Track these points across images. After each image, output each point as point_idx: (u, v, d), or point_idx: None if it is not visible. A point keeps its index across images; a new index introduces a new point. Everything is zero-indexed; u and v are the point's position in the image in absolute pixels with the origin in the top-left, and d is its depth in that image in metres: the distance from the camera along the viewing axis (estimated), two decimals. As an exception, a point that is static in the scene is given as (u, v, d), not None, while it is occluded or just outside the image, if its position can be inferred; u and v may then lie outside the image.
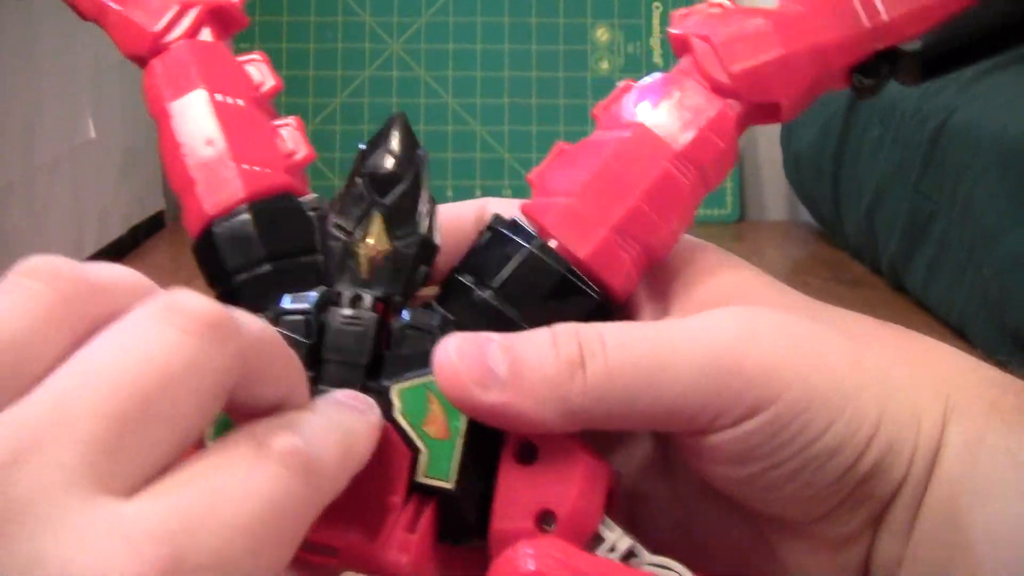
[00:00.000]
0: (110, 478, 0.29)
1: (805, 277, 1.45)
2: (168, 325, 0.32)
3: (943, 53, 0.45)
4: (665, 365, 0.40)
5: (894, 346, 0.44)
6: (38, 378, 0.31)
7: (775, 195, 1.88)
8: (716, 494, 0.44)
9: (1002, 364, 0.45)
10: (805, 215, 1.81)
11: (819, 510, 0.42)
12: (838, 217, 1.59)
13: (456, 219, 0.48)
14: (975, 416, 0.41)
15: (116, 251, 1.56)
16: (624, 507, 0.45)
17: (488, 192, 1.78)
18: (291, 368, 0.37)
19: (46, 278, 0.35)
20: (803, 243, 1.71)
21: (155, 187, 1.77)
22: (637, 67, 1.84)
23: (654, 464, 0.48)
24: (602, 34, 1.85)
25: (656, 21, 1.85)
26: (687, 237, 0.47)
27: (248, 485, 0.31)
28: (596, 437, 0.43)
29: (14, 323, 0.32)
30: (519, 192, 1.76)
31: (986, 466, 0.41)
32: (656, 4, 1.85)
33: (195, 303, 0.33)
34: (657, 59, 1.84)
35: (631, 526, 0.43)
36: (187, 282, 1.25)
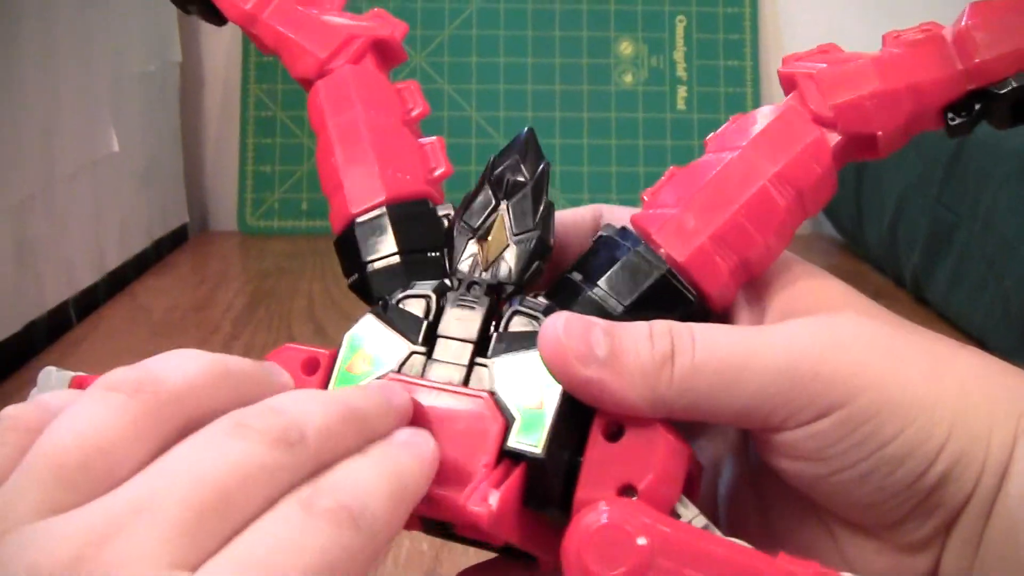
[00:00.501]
0: (184, 556, 0.33)
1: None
2: (241, 439, 0.36)
3: None
4: (746, 366, 0.43)
5: (971, 365, 0.45)
6: (126, 479, 0.35)
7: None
8: (794, 490, 0.46)
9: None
10: (827, 227, 1.81)
11: (890, 516, 0.44)
12: (860, 229, 1.58)
13: (573, 222, 0.52)
14: None
15: (139, 264, 1.57)
16: (706, 493, 0.49)
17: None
18: (358, 431, 0.40)
19: (129, 391, 0.38)
20: (825, 255, 1.71)
21: (179, 200, 1.77)
22: (661, 80, 1.84)
23: (738, 456, 0.51)
24: (626, 47, 1.85)
25: (680, 34, 1.85)
26: (784, 252, 0.50)
27: (301, 544, 0.34)
28: (685, 427, 0.45)
29: (104, 434, 0.36)
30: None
31: None
32: (680, 17, 1.86)
33: (266, 422, 0.37)
34: (681, 72, 1.84)
35: (711, 509, 0.48)
36: (209, 294, 1.26)
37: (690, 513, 0.43)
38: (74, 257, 1.34)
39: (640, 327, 0.44)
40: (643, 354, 0.43)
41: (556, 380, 0.43)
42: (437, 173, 0.52)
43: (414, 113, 0.54)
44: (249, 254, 1.70)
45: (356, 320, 0.46)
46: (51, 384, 0.51)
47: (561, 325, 0.43)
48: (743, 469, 0.51)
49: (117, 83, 1.47)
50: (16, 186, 1.17)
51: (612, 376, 0.42)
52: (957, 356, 0.45)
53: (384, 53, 0.55)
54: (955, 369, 0.44)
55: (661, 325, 0.44)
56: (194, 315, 1.36)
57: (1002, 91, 0.46)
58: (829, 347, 0.43)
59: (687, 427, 0.46)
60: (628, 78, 1.84)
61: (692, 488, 0.45)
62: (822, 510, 0.46)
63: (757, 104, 1.84)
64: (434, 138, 0.53)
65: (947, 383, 0.43)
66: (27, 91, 1.20)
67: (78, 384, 0.51)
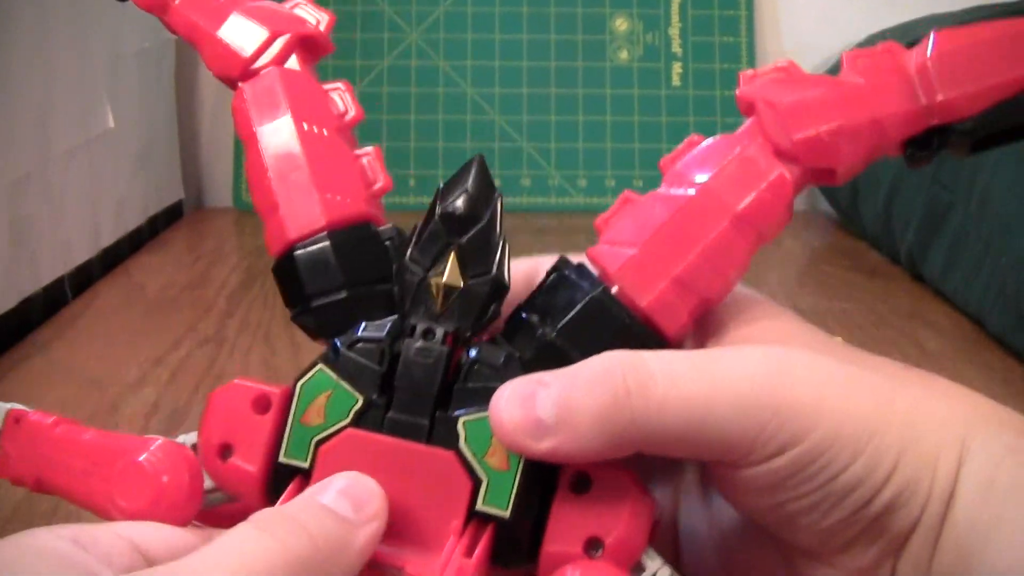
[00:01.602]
0: None
1: (823, 266, 1.46)
2: None
3: (993, 133, 0.47)
4: (709, 401, 0.42)
5: (919, 391, 0.45)
6: None
7: (793, 185, 1.87)
8: (748, 520, 0.47)
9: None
10: (823, 204, 1.81)
11: (836, 541, 0.44)
12: (856, 207, 1.58)
13: (531, 272, 0.51)
14: (990, 458, 0.43)
15: (134, 241, 1.57)
16: (665, 529, 0.49)
17: (507, 181, 1.79)
18: None
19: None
20: (821, 232, 1.71)
21: (174, 177, 1.77)
22: (656, 57, 1.84)
23: (696, 492, 0.51)
24: (621, 24, 1.85)
25: (675, 10, 1.85)
26: (742, 288, 0.50)
27: None
28: (642, 464, 0.45)
29: None
30: (537, 181, 1.76)
31: (996, 506, 0.42)
32: (675, -7, 1.86)
33: None
34: (676, 48, 1.84)
35: (671, 546, 0.48)
36: (205, 271, 1.26)
37: (655, 564, 0.43)
38: (70, 234, 1.34)
39: (590, 368, 0.43)
40: (597, 400, 0.42)
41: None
42: (376, 187, 0.50)
43: (347, 118, 0.51)
44: (244, 231, 1.70)
45: (307, 370, 0.46)
46: None
47: (503, 404, 0.43)
48: (700, 504, 0.51)
49: (112, 61, 1.47)
50: (12, 164, 1.17)
51: (568, 438, 0.42)
52: (905, 384, 0.45)
53: (310, 48, 0.53)
54: (903, 398, 0.44)
55: (613, 360, 0.43)
56: (189, 292, 1.36)
57: (963, 130, 0.46)
58: (786, 380, 0.43)
59: (644, 467, 0.46)
60: (623, 54, 1.84)
61: (653, 533, 0.44)
62: (776, 538, 0.46)
63: (753, 81, 1.83)
64: (371, 149, 0.51)
65: (895, 412, 0.43)
66: (22, 69, 1.20)
67: (14, 419, 0.50)
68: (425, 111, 1.82)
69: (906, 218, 1.39)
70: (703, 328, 0.49)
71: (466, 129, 1.81)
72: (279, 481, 0.45)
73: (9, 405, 0.51)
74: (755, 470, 0.43)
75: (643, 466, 0.46)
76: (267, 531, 0.39)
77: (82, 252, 1.38)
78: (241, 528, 0.39)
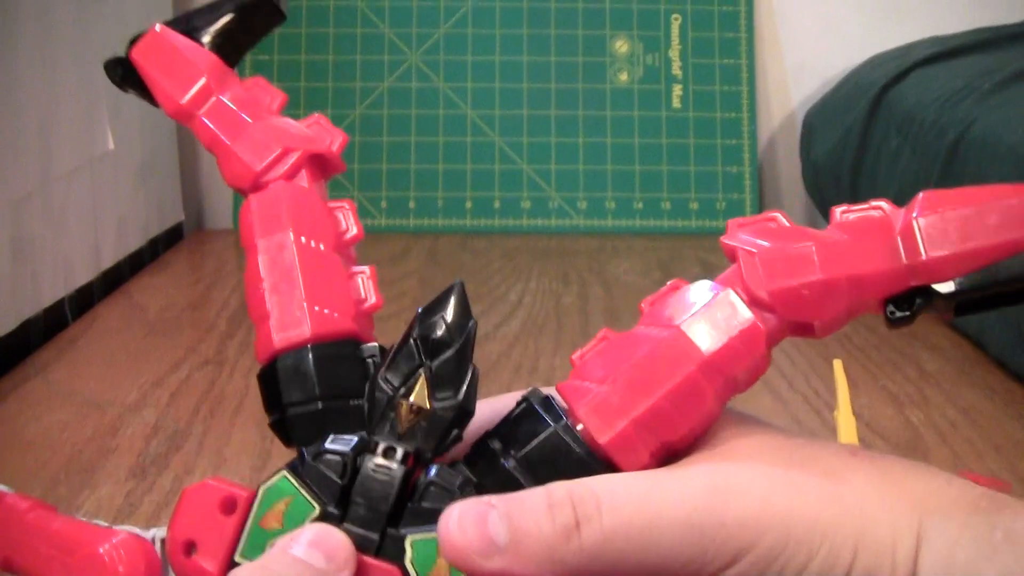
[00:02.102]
0: None
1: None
2: None
3: (977, 298, 0.46)
4: (653, 524, 0.43)
5: (868, 478, 0.45)
6: None
7: (793, 205, 1.88)
8: None
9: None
10: (822, 225, 1.81)
11: None
12: (857, 228, 1.58)
13: (502, 406, 0.51)
14: (947, 538, 0.43)
15: (135, 262, 1.57)
16: None
17: (507, 203, 1.79)
18: None
19: None
20: (822, 254, 1.71)
21: (174, 198, 1.77)
22: (656, 79, 1.84)
23: None
24: (621, 46, 1.85)
25: (675, 32, 1.85)
26: None
27: None
28: None
29: None
30: (537, 203, 1.76)
31: None
32: (675, 16, 1.86)
33: None
34: (676, 70, 1.85)
35: None
36: (205, 292, 1.26)
37: None
38: (71, 255, 1.34)
39: (538, 498, 0.44)
40: (545, 530, 0.43)
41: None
42: (367, 306, 0.51)
43: (347, 236, 0.53)
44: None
45: (272, 475, 0.47)
46: None
47: (455, 522, 0.43)
48: None
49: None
50: (13, 184, 1.17)
51: (516, 561, 0.43)
52: (855, 472, 0.45)
53: (321, 166, 0.54)
54: (853, 488, 0.45)
55: (560, 492, 0.44)
56: (189, 313, 1.37)
57: (944, 292, 0.45)
58: (726, 496, 0.43)
59: None
60: (623, 76, 1.85)
61: None
62: None
63: (753, 102, 1.84)
64: (366, 268, 0.52)
65: (847, 504, 0.44)
66: (24, 89, 1.20)
67: None
68: (425, 133, 1.82)
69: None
70: None
71: (466, 151, 1.81)
72: None
73: None
74: None
75: None
76: None
77: (83, 273, 1.38)
78: None
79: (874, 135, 1.52)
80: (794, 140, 1.85)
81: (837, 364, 1.13)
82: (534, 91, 1.84)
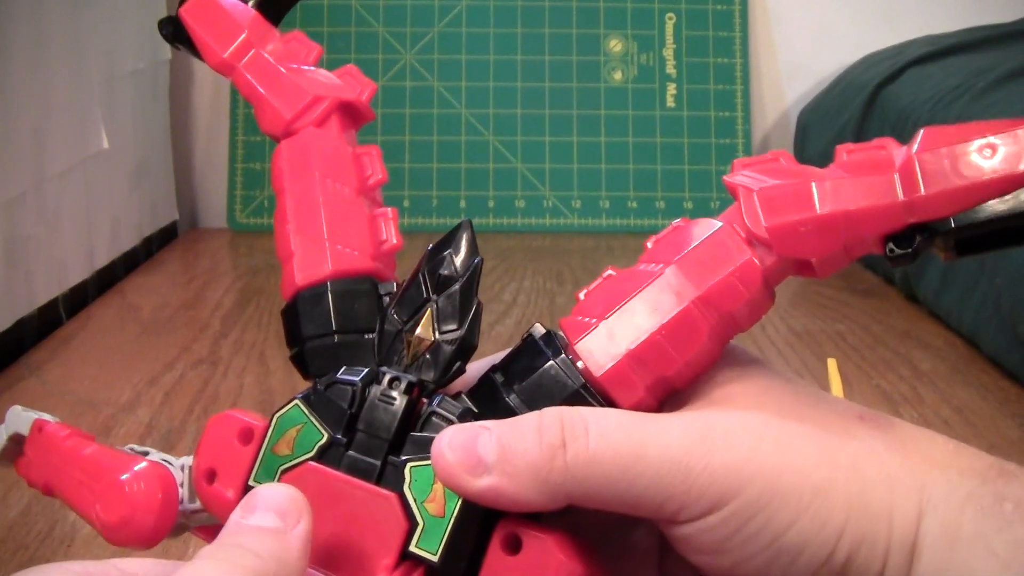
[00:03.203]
0: None
1: (818, 287, 1.46)
2: None
3: (978, 235, 0.45)
4: (640, 456, 0.43)
5: (868, 443, 0.45)
6: None
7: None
8: None
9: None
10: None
11: None
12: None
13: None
14: (953, 507, 0.43)
15: (129, 261, 1.57)
16: None
17: (501, 202, 1.79)
18: None
19: None
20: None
21: (168, 198, 1.77)
22: (650, 78, 1.84)
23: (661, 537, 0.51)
24: (615, 45, 1.85)
25: (669, 31, 1.85)
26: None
27: None
28: (606, 521, 0.49)
29: None
30: (531, 202, 1.76)
31: (964, 558, 0.42)
32: (670, 15, 1.86)
33: None
34: (670, 69, 1.85)
35: None
36: (199, 292, 1.26)
37: None
38: (64, 254, 1.34)
39: (529, 420, 0.45)
40: (532, 449, 0.44)
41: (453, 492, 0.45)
42: (387, 246, 0.53)
43: (372, 181, 0.55)
44: (238, 251, 1.70)
45: (285, 404, 0.48)
46: (19, 423, 0.55)
47: (446, 442, 0.44)
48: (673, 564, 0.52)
49: (107, 81, 1.47)
50: (7, 184, 1.17)
51: (504, 479, 0.44)
52: (853, 436, 0.45)
53: (351, 114, 0.57)
54: (848, 451, 0.44)
55: (551, 415, 0.45)
56: (183, 313, 1.36)
57: (942, 230, 0.45)
58: (720, 440, 0.44)
59: (620, 521, 0.49)
60: (618, 75, 1.85)
61: None
62: None
63: (747, 101, 1.84)
64: (388, 210, 0.54)
65: (840, 466, 0.44)
66: (18, 89, 1.20)
67: (38, 427, 0.54)
68: (419, 132, 1.82)
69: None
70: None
71: (460, 150, 1.81)
72: None
73: (36, 414, 0.55)
74: (691, 527, 0.44)
75: (606, 522, 0.49)
76: (215, 558, 0.41)
77: (77, 272, 1.38)
78: (194, 562, 0.41)
79: (868, 134, 1.52)
80: (788, 139, 1.85)
81: (831, 363, 1.13)
82: (528, 90, 1.84)
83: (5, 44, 1.17)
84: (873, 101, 1.55)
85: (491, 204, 1.78)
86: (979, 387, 1.10)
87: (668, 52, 1.85)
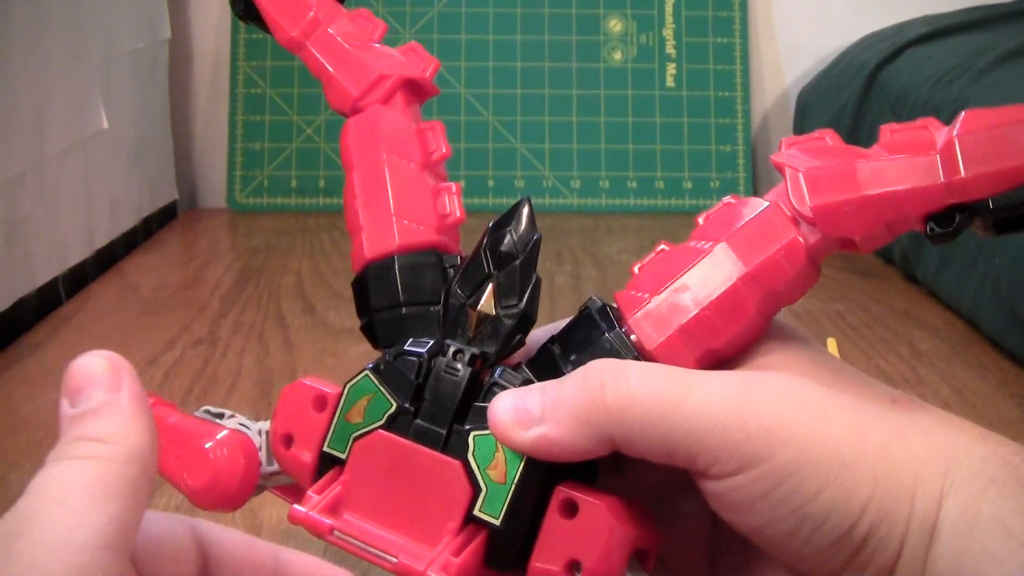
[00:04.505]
0: None
1: (817, 267, 1.45)
2: None
3: (1016, 215, 0.47)
4: (679, 405, 0.45)
5: (899, 422, 0.46)
6: None
7: (787, 185, 1.88)
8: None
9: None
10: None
11: (826, 568, 0.45)
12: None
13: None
14: (973, 491, 0.44)
15: (128, 241, 1.57)
16: (693, 550, 0.53)
17: (500, 182, 1.79)
18: None
19: None
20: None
21: (167, 177, 1.77)
22: (650, 58, 1.84)
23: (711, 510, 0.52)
24: (615, 24, 1.85)
25: (669, 11, 1.85)
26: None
27: None
28: (657, 488, 0.52)
29: None
30: (531, 182, 1.76)
31: (982, 540, 0.43)
32: (668, -6, 1.86)
33: None
34: (670, 49, 1.84)
35: (704, 564, 0.53)
36: (198, 272, 1.26)
37: None
38: (64, 234, 1.34)
39: (575, 373, 0.48)
40: (575, 394, 0.46)
41: (512, 451, 0.48)
42: (451, 220, 0.55)
43: (436, 156, 0.57)
44: (238, 232, 1.70)
45: (356, 374, 0.51)
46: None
47: (499, 402, 0.48)
48: (713, 526, 0.53)
49: (106, 61, 1.47)
50: (6, 164, 1.17)
51: (552, 426, 0.46)
52: (885, 417, 0.46)
53: (415, 90, 0.58)
54: (880, 427, 0.45)
55: (595, 364, 0.47)
56: (183, 293, 1.37)
57: (981, 210, 0.47)
58: (758, 401, 0.45)
59: (675, 487, 0.51)
60: (617, 55, 1.84)
61: (648, 561, 0.48)
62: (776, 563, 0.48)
63: (746, 81, 1.84)
64: (452, 185, 0.56)
65: (870, 441, 0.45)
66: (17, 70, 1.20)
67: None
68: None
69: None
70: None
71: (460, 130, 1.81)
72: (322, 467, 0.51)
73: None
74: (723, 484, 0.45)
75: (675, 487, 0.51)
76: (60, 460, 0.42)
77: (76, 252, 1.38)
78: (44, 469, 0.42)
79: (867, 114, 1.52)
80: (788, 119, 1.85)
81: (831, 343, 1.13)
82: (528, 70, 1.84)
83: (4, 24, 1.17)
84: (872, 81, 1.55)
85: (490, 184, 1.78)
86: (978, 367, 1.10)
87: (668, 32, 1.85)
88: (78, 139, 1.37)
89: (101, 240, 1.46)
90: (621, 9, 1.85)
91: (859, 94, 1.55)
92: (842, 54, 1.74)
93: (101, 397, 0.43)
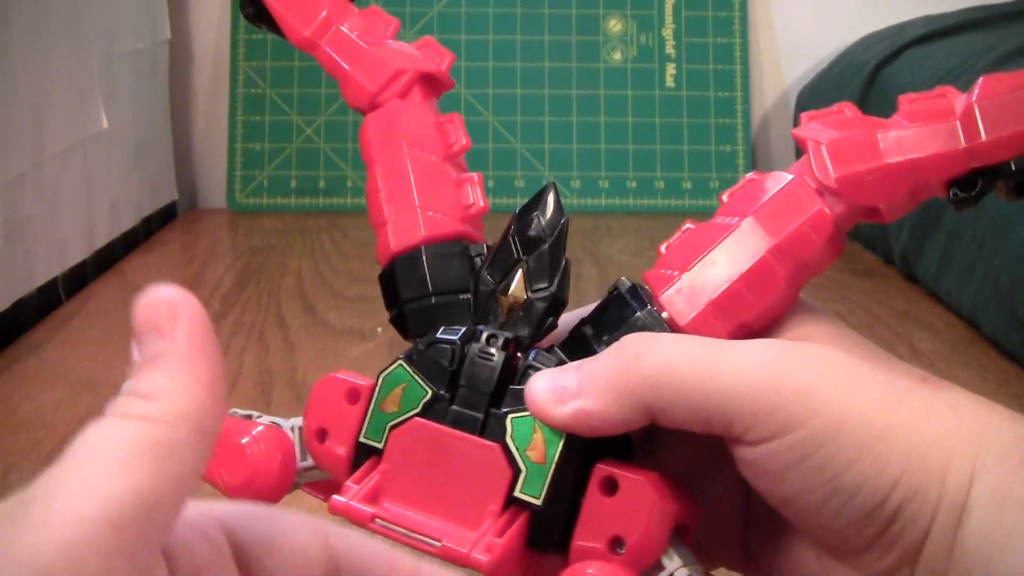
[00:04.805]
0: None
1: (817, 267, 1.45)
2: None
3: None
4: (714, 372, 0.45)
5: (931, 399, 0.46)
6: None
7: (787, 185, 1.88)
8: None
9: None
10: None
11: (853, 543, 0.45)
12: (850, 207, 1.59)
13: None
14: (1004, 472, 0.43)
15: (128, 241, 1.57)
16: (724, 527, 0.53)
17: (500, 182, 1.79)
18: None
19: None
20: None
21: (167, 177, 1.77)
22: (650, 58, 1.84)
23: (742, 488, 0.52)
24: (615, 24, 1.85)
25: (669, 11, 1.85)
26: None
27: None
28: (692, 466, 0.51)
29: None
30: (530, 182, 1.77)
31: (1011, 520, 0.43)
32: (668, -6, 1.86)
33: None
34: (670, 49, 1.84)
35: (734, 538, 0.52)
36: (198, 272, 1.26)
37: (674, 564, 0.47)
38: (64, 234, 1.34)
39: (609, 348, 0.48)
40: (610, 365, 0.46)
41: (550, 428, 0.48)
42: (474, 209, 0.55)
43: (456, 147, 0.57)
44: (238, 231, 1.70)
45: (390, 364, 0.51)
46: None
47: (536, 382, 0.48)
48: (746, 500, 0.53)
49: (107, 61, 1.47)
50: (6, 164, 1.17)
51: (588, 399, 0.46)
52: (915, 394, 0.46)
53: (432, 84, 0.59)
54: (912, 403, 0.45)
55: (629, 337, 0.47)
56: (183, 293, 1.36)
57: (1003, 173, 0.47)
58: (792, 367, 0.45)
59: (704, 468, 0.51)
60: (617, 55, 1.84)
61: (687, 536, 0.48)
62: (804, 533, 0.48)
63: (746, 81, 1.84)
64: (474, 175, 0.56)
65: (903, 416, 0.45)
66: (17, 70, 1.20)
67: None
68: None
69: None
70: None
71: (460, 130, 1.80)
72: (359, 457, 0.51)
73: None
74: (757, 450, 0.45)
75: (705, 464, 0.51)
76: (102, 420, 0.35)
77: (76, 253, 1.38)
78: (88, 429, 0.34)
79: (867, 114, 1.52)
80: (788, 119, 1.85)
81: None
82: (527, 70, 1.84)
83: (5, 24, 1.17)
84: (872, 81, 1.55)
85: (490, 184, 1.78)
86: (978, 368, 1.10)
87: (667, 32, 1.85)
88: (78, 139, 1.37)
89: (101, 240, 1.46)
90: (621, 9, 1.85)
91: (859, 94, 1.55)
92: (842, 54, 1.74)
93: (156, 345, 0.36)
